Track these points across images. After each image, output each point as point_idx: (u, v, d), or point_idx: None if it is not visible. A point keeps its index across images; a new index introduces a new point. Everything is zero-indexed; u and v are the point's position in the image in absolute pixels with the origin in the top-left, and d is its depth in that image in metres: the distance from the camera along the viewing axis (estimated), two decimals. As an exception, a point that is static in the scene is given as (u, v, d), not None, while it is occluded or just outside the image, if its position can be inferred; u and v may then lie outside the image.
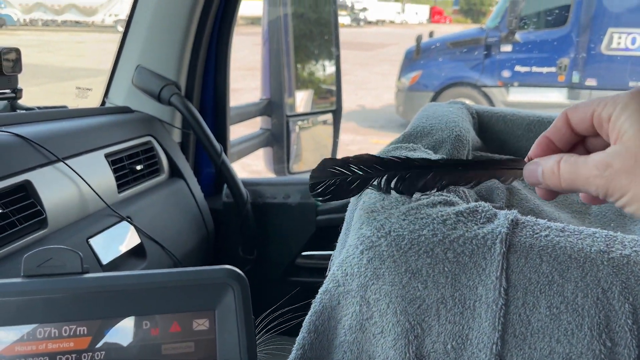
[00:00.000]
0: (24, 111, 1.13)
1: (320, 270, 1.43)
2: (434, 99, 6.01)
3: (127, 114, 1.30)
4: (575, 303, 0.45)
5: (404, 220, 0.51)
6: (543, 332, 0.46)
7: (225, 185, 1.42)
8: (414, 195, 0.57)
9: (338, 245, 0.74)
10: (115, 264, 1.05)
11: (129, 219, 1.09)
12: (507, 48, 5.99)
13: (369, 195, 0.59)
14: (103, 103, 1.40)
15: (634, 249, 0.47)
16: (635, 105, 0.38)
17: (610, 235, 0.50)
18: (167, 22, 1.33)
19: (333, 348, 0.53)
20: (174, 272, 0.46)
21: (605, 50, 5.67)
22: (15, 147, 0.94)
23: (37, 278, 0.44)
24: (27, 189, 0.93)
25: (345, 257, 0.53)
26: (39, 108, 1.19)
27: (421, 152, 0.76)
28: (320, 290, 0.55)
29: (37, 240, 0.92)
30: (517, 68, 5.93)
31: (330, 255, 1.44)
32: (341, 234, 0.73)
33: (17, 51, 0.99)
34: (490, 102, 5.76)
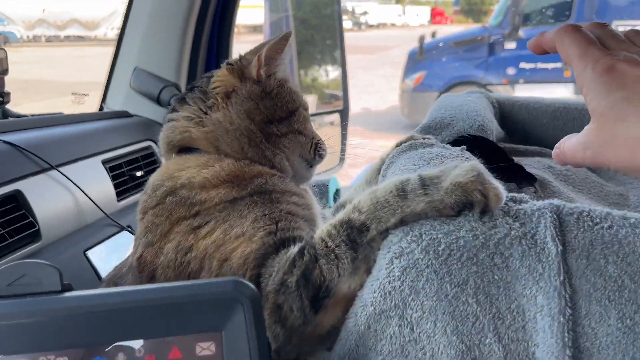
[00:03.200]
0: (16, 118, 1.07)
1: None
2: (438, 99, 5.93)
3: (125, 118, 1.24)
4: None
5: (434, 219, 0.44)
6: (614, 349, 0.37)
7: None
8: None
9: None
10: (116, 277, 0.98)
11: (129, 229, 1.03)
12: (510, 45, 5.93)
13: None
14: (101, 109, 1.34)
15: None
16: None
17: None
18: (164, 21, 1.27)
19: None
20: (171, 286, 0.39)
21: (611, 44, 5.59)
22: (4, 155, 0.88)
23: (6, 299, 0.37)
24: (17, 199, 0.86)
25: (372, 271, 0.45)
26: (32, 115, 1.13)
27: (439, 148, 0.68)
28: (348, 314, 0.47)
29: (30, 253, 0.86)
30: (522, 65, 5.85)
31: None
32: None
33: (3, 51, 0.93)
34: (496, 100, 5.69)
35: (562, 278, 0.38)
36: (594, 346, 0.37)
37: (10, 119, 1.07)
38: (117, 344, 0.37)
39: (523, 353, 0.39)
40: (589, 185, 0.86)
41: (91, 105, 1.41)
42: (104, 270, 0.94)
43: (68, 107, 1.48)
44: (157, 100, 1.25)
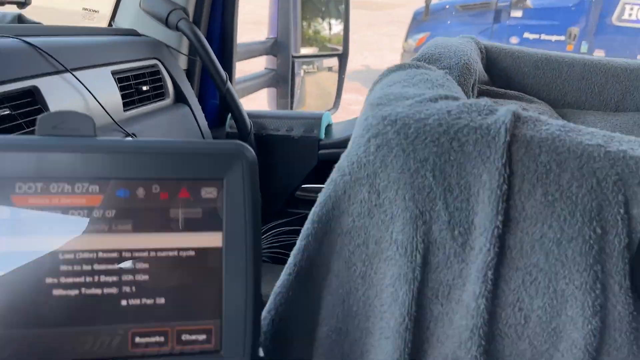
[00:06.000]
0: (32, 24, 1.13)
1: (319, 205, 1.44)
2: (440, 62, 5.93)
3: (133, 36, 1.30)
4: (570, 191, 0.47)
5: (409, 110, 0.52)
6: (536, 218, 0.47)
7: (229, 116, 1.43)
8: (419, 91, 0.58)
9: None
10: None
11: (134, 136, 1.10)
12: (517, 13, 5.90)
13: (375, 92, 0.59)
14: (110, 26, 1.39)
15: (630, 145, 0.49)
16: None
17: (609, 134, 0.51)
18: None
19: (337, 236, 0.55)
20: (185, 141, 0.47)
21: (616, 21, 5.59)
22: (24, 54, 0.95)
23: (54, 137, 0.45)
24: (34, 94, 0.93)
25: (351, 147, 0.54)
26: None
27: (425, 70, 0.75)
28: (326, 183, 0.56)
29: (44, 146, 0.94)
30: (526, 35, 5.85)
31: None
32: None
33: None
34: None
35: (504, 160, 0.47)
36: (521, 216, 0.47)
37: (26, 24, 1.13)
38: (138, 180, 0.46)
39: (465, 219, 0.48)
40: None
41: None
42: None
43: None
44: (165, 22, 1.30)
